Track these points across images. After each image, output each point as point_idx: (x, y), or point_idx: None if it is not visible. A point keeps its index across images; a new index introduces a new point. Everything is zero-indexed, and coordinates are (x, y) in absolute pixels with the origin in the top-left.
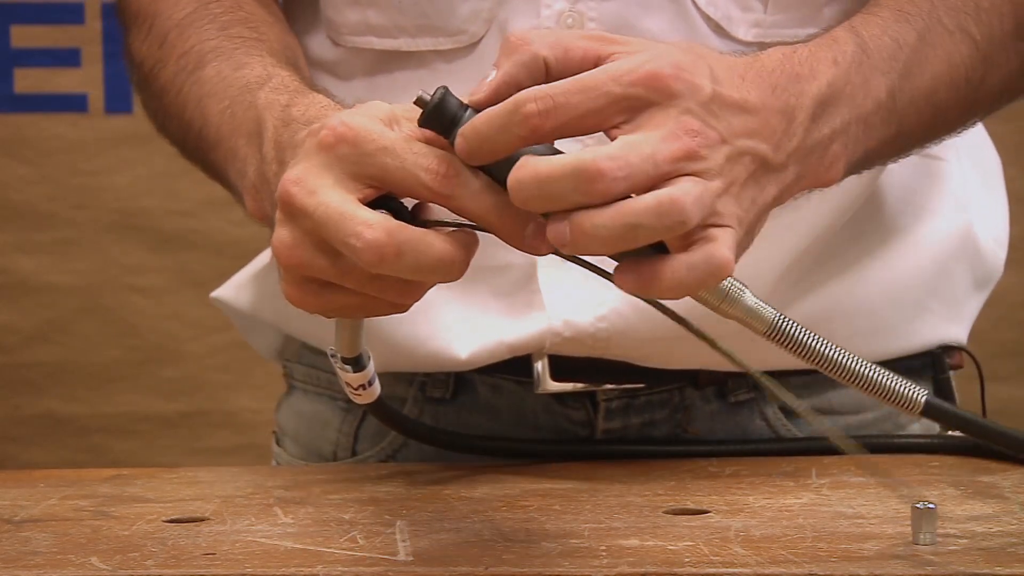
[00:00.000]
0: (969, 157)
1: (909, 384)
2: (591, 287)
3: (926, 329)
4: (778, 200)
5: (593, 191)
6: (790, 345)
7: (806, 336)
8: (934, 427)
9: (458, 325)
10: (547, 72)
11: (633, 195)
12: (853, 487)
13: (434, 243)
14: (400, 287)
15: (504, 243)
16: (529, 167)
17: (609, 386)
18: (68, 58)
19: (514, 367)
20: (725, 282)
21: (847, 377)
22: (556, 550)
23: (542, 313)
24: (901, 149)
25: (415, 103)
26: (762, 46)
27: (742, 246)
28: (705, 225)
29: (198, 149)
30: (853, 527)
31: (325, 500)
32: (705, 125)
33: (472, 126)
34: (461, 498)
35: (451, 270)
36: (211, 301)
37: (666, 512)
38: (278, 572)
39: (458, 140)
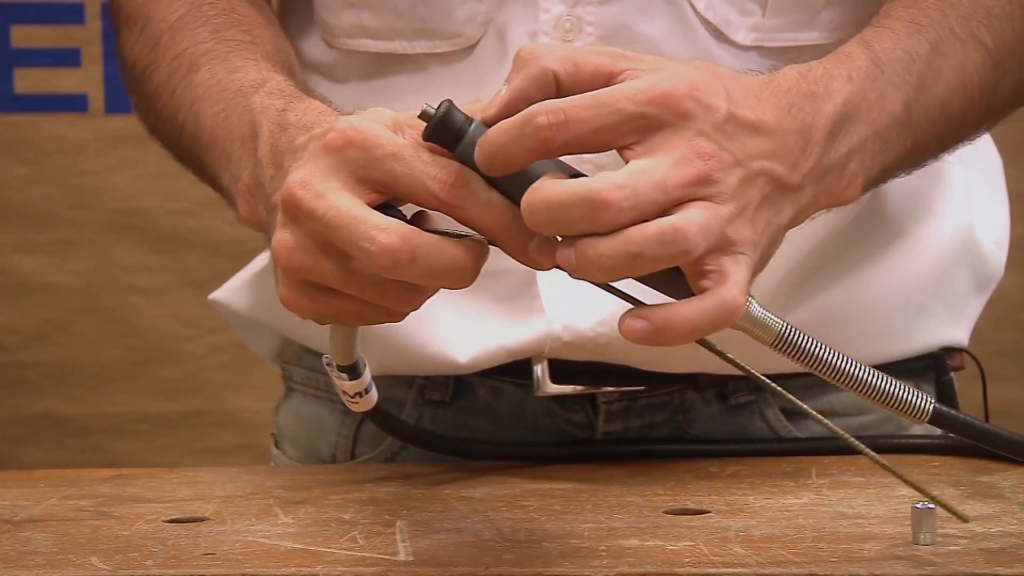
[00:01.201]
0: (970, 158)
1: (917, 392)
2: (591, 292)
3: (928, 331)
4: (794, 222)
5: (600, 220)
6: (796, 355)
7: (813, 345)
8: (936, 429)
9: (457, 329)
10: (558, 87)
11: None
12: (853, 487)
13: (447, 249)
14: (401, 294)
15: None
16: (540, 192)
17: (609, 389)
18: (68, 58)
19: (514, 370)
20: None
21: (854, 385)
22: (556, 550)
23: (542, 318)
24: (916, 162)
25: (419, 117)
26: (761, 51)
27: (756, 269)
28: (717, 251)
29: (191, 152)
30: (853, 527)
31: (325, 500)
32: (719, 147)
33: (487, 137)
34: (461, 498)
35: (463, 277)
36: (209, 303)
37: (666, 512)
38: (278, 572)
39: (476, 150)
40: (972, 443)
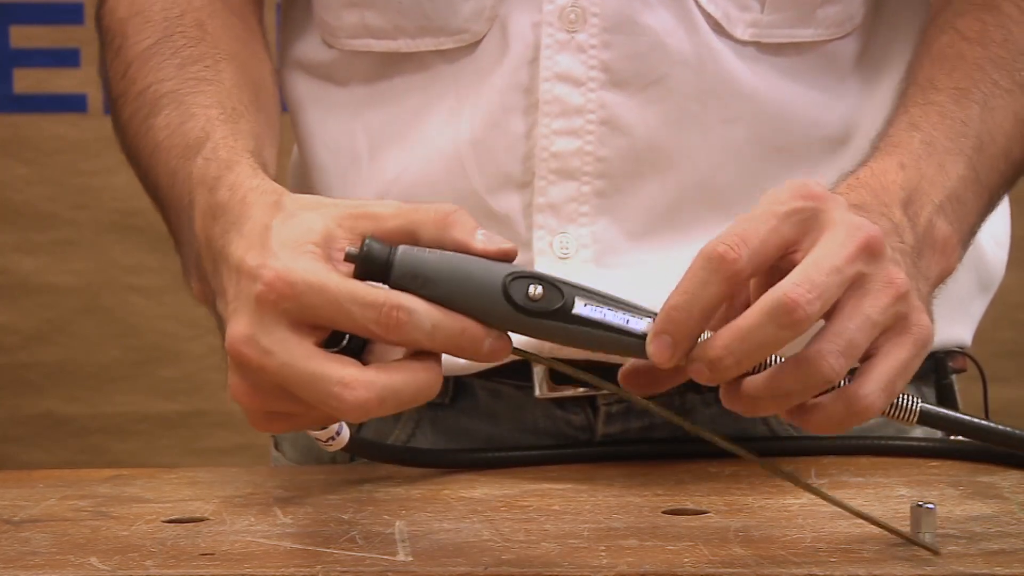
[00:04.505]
0: None
1: (903, 395)
2: None
3: None
4: (927, 295)
5: (796, 320)
6: None
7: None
8: (936, 432)
9: None
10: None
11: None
12: (852, 487)
13: (409, 379)
14: None
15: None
16: (726, 331)
17: (608, 391)
18: (67, 58)
19: (513, 371)
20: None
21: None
22: (555, 550)
23: None
24: (992, 210)
25: (345, 259)
26: (759, 46)
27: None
28: (890, 331)
29: (155, 200)
30: (852, 527)
31: (324, 500)
32: (870, 224)
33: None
34: (460, 498)
35: (431, 393)
36: None
37: (665, 512)
38: (277, 572)
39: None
40: (972, 447)
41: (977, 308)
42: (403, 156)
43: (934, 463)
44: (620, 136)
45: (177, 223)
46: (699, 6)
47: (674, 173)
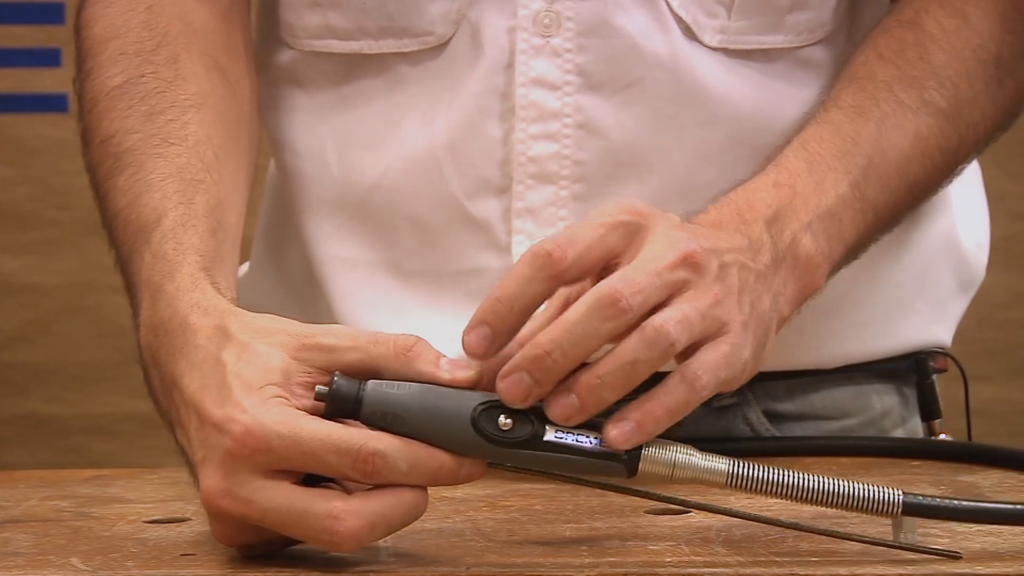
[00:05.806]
0: None
1: (883, 489)
2: None
3: (911, 329)
4: (775, 309)
5: (617, 313)
6: (753, 486)
7: (766, 473)
8: (918, 433)
9: (437, 329)
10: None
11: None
12: None
13: (397, 502)
14: None
15: (475, 246)
16: (553, 326)
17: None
18: (48, 58)
19: None
20: (670, 454)
21: (819, 498)
22: (537, 550)
23: None
24: (886, 228)
25: (316, 398)
26: (728, 52)
27: (756, 355)
28: (709, 336)
29: (117, 262)
30: (834, 527)
31: None
32: (693, 238)
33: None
34: (443, 498)
35: (419, 513)
36: None
37: (647, 512)
38: (259, 573)
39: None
40: (952, 446)
41: (957, 309)
42: (379, 162)
43: (915, 463)
44: (597, 139)
45: (132, 309)
46: (671, 10)
47: (652, 175)
